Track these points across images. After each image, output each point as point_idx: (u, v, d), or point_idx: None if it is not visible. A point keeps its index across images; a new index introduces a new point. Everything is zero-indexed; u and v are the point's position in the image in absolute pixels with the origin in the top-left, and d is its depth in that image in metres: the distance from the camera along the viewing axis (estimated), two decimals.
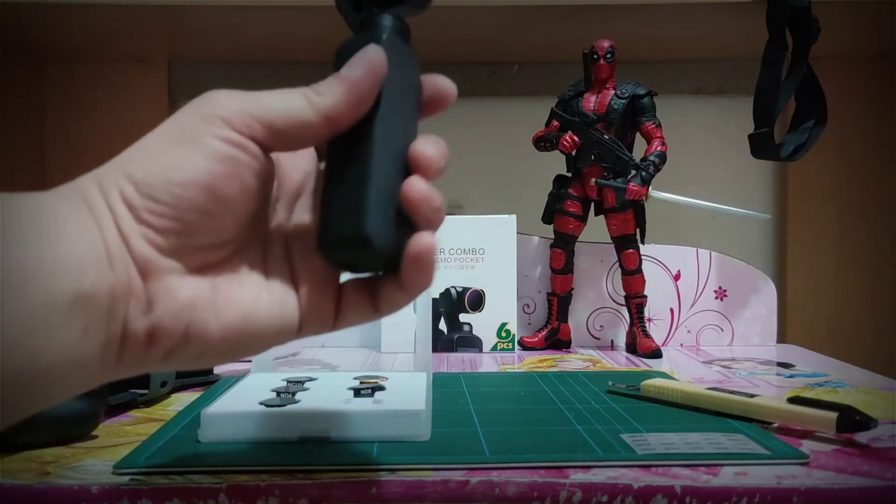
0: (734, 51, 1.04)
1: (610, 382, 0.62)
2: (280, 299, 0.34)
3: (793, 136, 0.83)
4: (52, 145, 1.09)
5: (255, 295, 0.34)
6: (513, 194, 1.09)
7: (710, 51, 1.06)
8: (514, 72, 1.11)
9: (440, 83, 0.38)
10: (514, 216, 0.85)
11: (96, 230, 0.30)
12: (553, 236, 0.86)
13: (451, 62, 1.10)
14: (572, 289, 0.87)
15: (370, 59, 0.34)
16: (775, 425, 0.51)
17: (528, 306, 0.89)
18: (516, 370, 0.73)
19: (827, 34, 0.80)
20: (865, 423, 0.46)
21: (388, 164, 0.34)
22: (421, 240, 0.34)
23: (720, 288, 0.88)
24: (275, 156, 0.35)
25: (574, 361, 0.79)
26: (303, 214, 0.37)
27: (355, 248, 0.33)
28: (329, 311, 0.35)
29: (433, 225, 0.34)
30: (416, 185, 0.34)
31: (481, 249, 0.85)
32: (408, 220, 0.34)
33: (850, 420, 0.46)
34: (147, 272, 0.31)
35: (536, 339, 0.86)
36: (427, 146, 0.35)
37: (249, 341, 0.34)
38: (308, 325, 0.35)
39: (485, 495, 0.41)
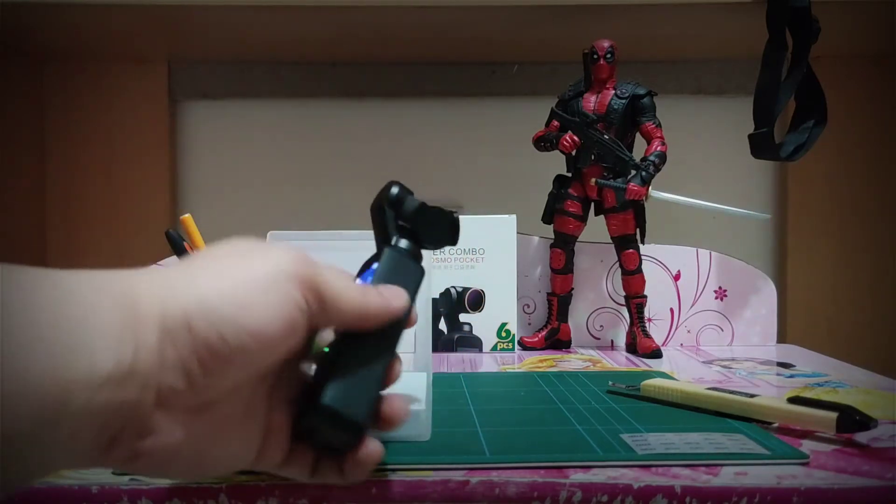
0: (734, 51, 1.04)
1: (610, 382, 0.62)
2: (253, 442, 0.35)
3: (793, 136, 0.83)
4: (52, 145, 1.09)
5: (238, 439, 0.34)
6: (513, 194, 1.09)
7: (710, 51, 1.06)
8: (514, 72, 1.11)
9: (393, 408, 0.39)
10: (514, 216, 0.85)
11: (131, 348, 0.29)
12: (553, 236, 0.86)
13: (451, 62, 1.10)
14: (572, 289, 0.87)
15: (400, 302, 0.38)
16: (775, 425, 0.51)
17: (528, 306, 0.89)
18: (516, 370, 0.73)
19: (827, 34, 0.80)
20: (865, 423, 0.46)
21: (382, 369, 0.38)
22: (371, 444, 0.37)
23: (720, 288, 0.88)
24: None
25: (574, 361, 0.78)
26: (295, 364, 0.38)
27: (346, 430, 0.36)
28: (283, 457, 0.37)
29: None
30: (395, 402, 0.38)
31: (481, 249, 0.85)
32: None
33: (850, 420, 0.46)
34: (164, 402, 0.30)
35: (536, 339, 0.86)
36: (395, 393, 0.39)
37: (217, 471, 0.35)
38: (261, 462, 0.36)
39: (485, 495, 0.41)
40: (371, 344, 0.37)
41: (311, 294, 0.33)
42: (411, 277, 0.40)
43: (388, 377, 0.38)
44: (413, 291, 0.40)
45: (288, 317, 0.32)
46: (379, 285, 0.38)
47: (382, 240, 0.43)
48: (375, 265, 0.41)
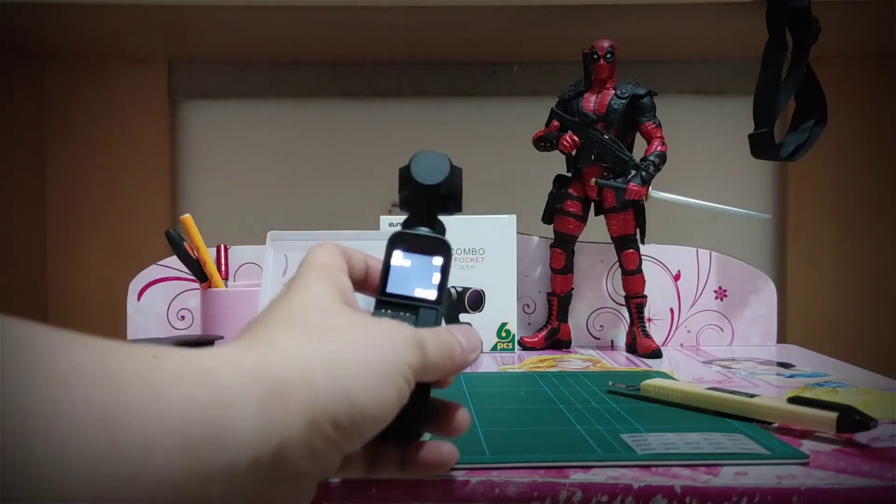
0: (734, 51, 1.04)
1: (610, 382, 0.62)
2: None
3: (793, 136, 0.83)
4: (52, 145, 1.09)
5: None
6: (513, 194, 1.09)
7: (710, 51, 1.06)
8: (514, 72, 1.11)
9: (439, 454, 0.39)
10: (514, 216, 0.85)
11: (276, 444, 0.28)
12: (553, 236, 0.86)
13: (451, 62, 1.10)
14: (572, 289, 0.87)
15: (475, 347, 0.39)
16: (775, 425, 0.51)
17: (528, 306, 0.89)
18: (516, 370, 0.73)
19: (827, 34, 0.80)
20: (865, 423, 0.46)
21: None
22: (450, 453, 0.38)
23: (720, 288, 0.88)
24: None
25: (574, 361, 0.78)
26: None
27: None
28: (361, 461, 0.37)
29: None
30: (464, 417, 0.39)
31: (481, 249, 0.85)
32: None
33: (850, 420, 0.46)
34: (289, 479, 0.30)
35: (536, 339, 0.86)
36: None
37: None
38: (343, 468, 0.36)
39: (485, 495, 0.41)
40: None
41: (422, 370, 0.35)
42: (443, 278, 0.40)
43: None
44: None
45: (398, 401, 0.33)
46: (457, 331, 0.38)
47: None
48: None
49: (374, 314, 0.39)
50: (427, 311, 0.39)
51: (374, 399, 0.32)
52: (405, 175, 0.40)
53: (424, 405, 0.38)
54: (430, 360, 0.35)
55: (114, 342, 0.25)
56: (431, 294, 0.39)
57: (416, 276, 0.39)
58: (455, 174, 0.41)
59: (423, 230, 0.40)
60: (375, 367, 0.32)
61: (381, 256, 0.40)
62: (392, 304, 0.39)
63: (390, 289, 0.39)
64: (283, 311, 0.34)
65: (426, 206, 0.40)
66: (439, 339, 0.36)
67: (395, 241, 0.40)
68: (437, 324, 0.39)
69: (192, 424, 0.25)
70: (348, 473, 0.38)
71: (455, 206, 0.41)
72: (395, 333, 0.34)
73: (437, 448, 0.38)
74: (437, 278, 0.39)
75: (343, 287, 0.37)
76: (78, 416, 0.22)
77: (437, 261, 0.40)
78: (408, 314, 0.39)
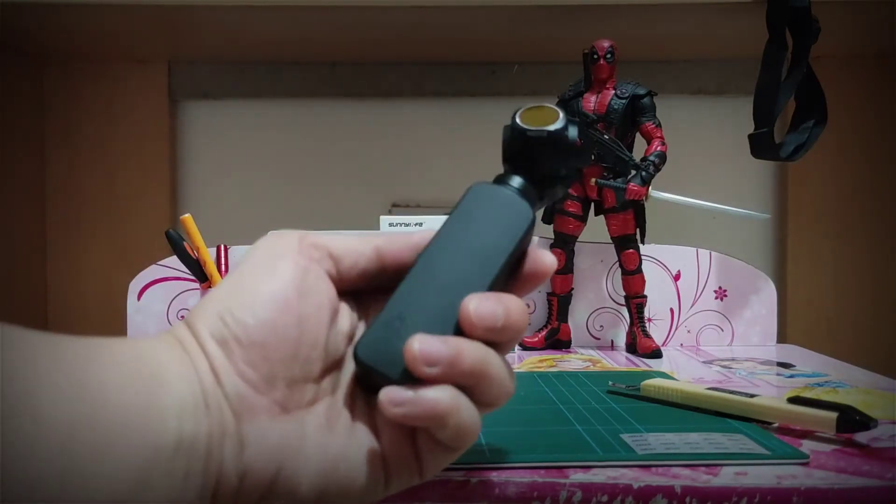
0: (734, 51, 1.04)
1: (610, 382, 0.62)
2: (366, 449, 0.34)
3: (793, 136, 0.83)
4: (52, 145, 1.09)
5: (342, 444, 0.34)
6: None
7: (710, 51, 1.06)
8: (514, 72, 1.11)
9: (540, 261, 0.37)
10: None
11: (194, 373, 0.31)
12: (553, 236, 0.86)
13: (451, 62, 1.10)
14: (572, 289, 0.87)
15: (426, 231, 0.37)
16: (775, 425, 0.51)
17: (528, 306, 0.89)
18: (516, 370, 0.73)
19: (827, 34, 0.80)
20: (865, 423, 0.46)
21: (415, 301, 0.34)
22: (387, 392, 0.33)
23: (720, 288, 0.88)
24: (364, 308, 0.38)
25: (574, 361, 0.78)
26: None
27: (361, 369, 0.34)
28: (412, 460, 0.34)
29: (448, 379, 0.33)
30: (412, 345, 0.33)
31: None
32: None
33: (850, 420, 0.46)
34: (240, 412, 0.31)
35: (536, 339, 0.86)
36: (473, 299, 0.34)
37: (338, 492, 0.33)
38: (395, 478, 0.34)
39: (485, 495, 0.41)
40: (416, 273, 0.35)
41: (308, 247, 0.35)
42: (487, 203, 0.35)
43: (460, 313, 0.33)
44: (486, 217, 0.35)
45: (294, 274, 0.34)
46: None
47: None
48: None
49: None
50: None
51: (248, 290, 0.33)
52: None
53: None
54: (324, 237, 0.36)
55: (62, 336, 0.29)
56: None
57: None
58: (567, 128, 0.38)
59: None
60: (238, 272, 0.34)
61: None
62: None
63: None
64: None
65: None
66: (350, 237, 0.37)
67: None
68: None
69: (132, 371, 0.29)
70: (404, 482, 0.35)
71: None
72: (279, 234, 0.37)
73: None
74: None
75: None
76: (42, 372, 0.26)
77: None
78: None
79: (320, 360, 0.34)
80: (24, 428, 0.24)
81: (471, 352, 0.33)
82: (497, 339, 0.34)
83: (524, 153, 0.36)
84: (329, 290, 0.35)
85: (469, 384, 0.33)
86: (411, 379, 0.32)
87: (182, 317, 0.87)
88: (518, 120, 0.36)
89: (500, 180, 0.37)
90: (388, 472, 0.34)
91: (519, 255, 0.36)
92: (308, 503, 0.33)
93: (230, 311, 0.32)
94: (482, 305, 0.33)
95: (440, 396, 0.32)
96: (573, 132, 0.36)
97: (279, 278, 0.33)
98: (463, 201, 0.36)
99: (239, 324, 0.32)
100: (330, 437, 0.34)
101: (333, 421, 0.34)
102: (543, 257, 0.37)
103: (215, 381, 0.31)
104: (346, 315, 0.37)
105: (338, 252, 0.36)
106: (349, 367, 0.36)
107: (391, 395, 0.32)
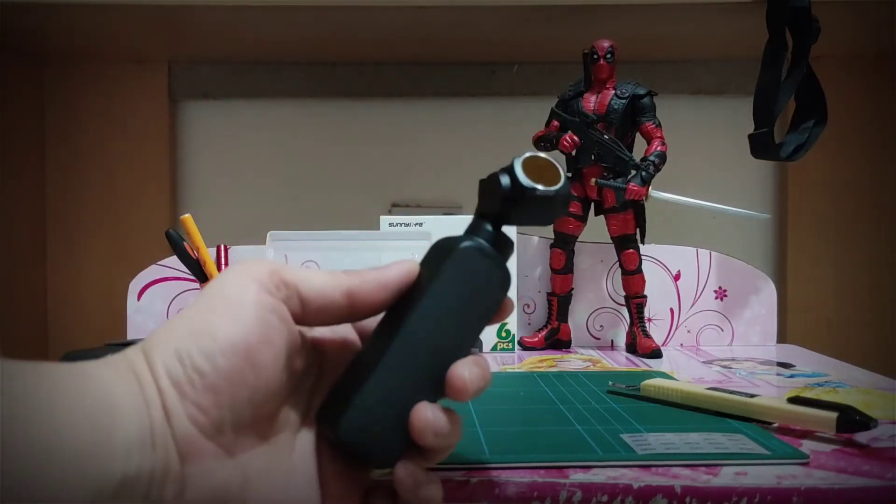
0: (734, 51, 1.04)
1: (610, 382, 0.62)
2: (307, 492, 0.34)
3: (793, 136, 0.83)
4: (52, 145, 1.09)
5: (283, 485, 0.34)
6: None
7: (710, 51, 1.06)
8: (514, 72, 1.11)
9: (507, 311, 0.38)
10: None
11: (145, 409, 0.30)
12: (553, 236, 0.86)
13: (451, 62, 1.10)
14: (572, 289, 0.87)
15: (406, 267, 0.36)
16: (775, 425, 0.51)
17: (528, 306, 0.89)
18: (516, 370, 0.73)
19: (827, 34, 0.80)
20: (865, 423, 0.46)
21: (402, 374, 0.33)
22: (403, 468, 0.34)
23: (720, 288, 0.88)
24: (320, 345, 0.37)
25: (574, 361, 0.78)
26: None
27: (329, 435, 0.33)
28: None
29: (438, 452, 0.34)
30: (421, 412, 0.34)
31: None
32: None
33: (850, 420, 0.46)
34: (185, 454, 0.31)
35: (536, 339, 0.86)
36: (464, 368, 0.34)
37: None
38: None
39: (485, 495, 0.41)
40: (390, 329, 0.34)
41: (274, 286, 0.33)
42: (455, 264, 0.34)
43: (446, 378, 0.34)
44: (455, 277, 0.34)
45: (256, 318, 0.32)
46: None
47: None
48: None
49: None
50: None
51: (201, 333, 0.32)
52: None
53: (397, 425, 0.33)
54: (295, 275, 0.34)
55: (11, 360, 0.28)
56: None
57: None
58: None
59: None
60: (194, 308, 0.33)
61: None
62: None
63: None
64: None
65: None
66: (320, 272, 0.35)
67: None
68: None
69: (81, 406, 0.28)
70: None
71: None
72: (242, 266, 0.34)
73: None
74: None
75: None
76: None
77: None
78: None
79: (271, 404, 0.34)
80: None
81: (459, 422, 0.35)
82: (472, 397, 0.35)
83: (522, 208, 0.34)
84: (290, 335, 0.34)
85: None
86: (394, 461, 0.33)
87: None
88: (522, 175, 0.34)
89: (481, 236, 0.36)
90: None
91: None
92: None
93: (189, 353, 0.31)
94: (466, 370, 0.34)
95: (438, 493, 0.34)
96: (569, 187, 0.36)
97: (241, 324, 0.32)
98: (447, 267, 0.34)
99: (196, 369, 0.31)
100: (271, 480, 0.33)
101: (276, 463, 0.34)
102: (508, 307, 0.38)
103: (165, 420, 0.30)
104: (302, 354, 0.36)
105: (307, 294, 0.34)
106: (294, 408, 0.35)
107: (415, 478, 0.34)
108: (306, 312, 0.34)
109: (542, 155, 0.35)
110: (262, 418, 0.33)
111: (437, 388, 0.34)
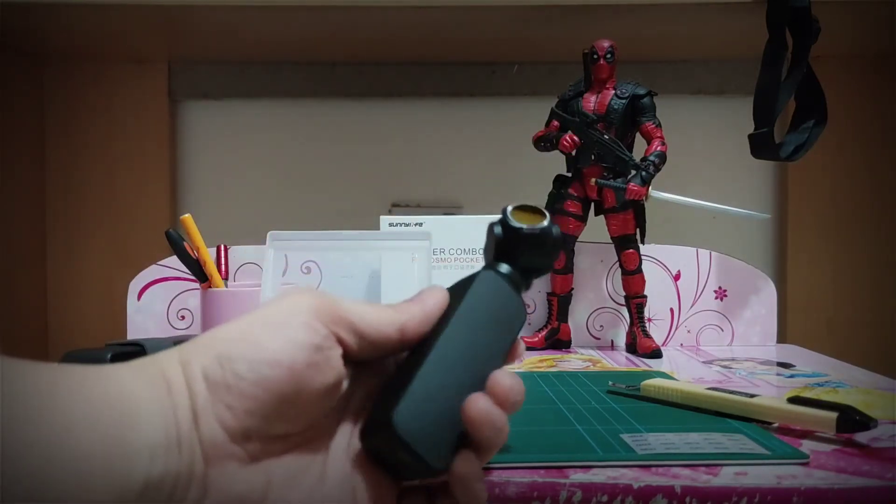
0: (734, 51, 1.04)
1: (610, 382, 0.62)
2: (337, 502, 0.34)
3: (793, 136, 0.83)
4: (52, 145, 1.09)
5: (311, 494, 0.33)
6: (513, 194, 1.09)
7: (710, 51, 1.06)
8: (515, 72, 1.11)
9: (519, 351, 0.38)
10: None
11: (171, 412, 0.30)
12: None
13: (451, 62, 1.10)
14: (572, 289, 0.87)
15: (441, 296, 0.37)
16: (775, 425, 0.51)
17: (528, 306, 0.89)
18: (516, 370, 0.73)
19: (827, 34, 0.80)
20: (865, 423, 0.46)
21: (447, 374, 0.35)
22: (465, 462, 0.34)
23: (720, 288, 0.88)
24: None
25: (574, 361, 0.78)
26: None
27: (382, 433, 0.33)
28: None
29: (493, 447, 0.34)
30: (477, 403, 0.34)
31: (481, 249, 0.84)
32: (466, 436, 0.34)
33: (850, 420, 0.46)
34: (210, 457, 0.30)
35: (536, 339, 0.86)
36: (505, 377, 0.35)
37: None
38: None
39: None
40: (428, 346, 0.35)
41: (329, 318, 0.33)
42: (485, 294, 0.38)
43: (488, 385, 0.35)
44: (487, 311, 0.37)
45: (307, 342, 0.32)
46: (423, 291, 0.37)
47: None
48: None
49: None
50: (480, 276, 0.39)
51: (249, 343, 0.31)
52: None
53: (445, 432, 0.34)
54: (346, 306, 0.33)
55: (31, 362, 0.28)
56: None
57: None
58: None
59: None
60: (250, 322, 0.32)
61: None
62: None
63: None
64: None
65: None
66: (370, 305, 0.35)
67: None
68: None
69: (101, 413, 0.28)
70: None
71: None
72: (297, 292, 0.34)
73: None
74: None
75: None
76: (13, 419, 0.25)
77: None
78: None
79: (305, 422, 0.33)
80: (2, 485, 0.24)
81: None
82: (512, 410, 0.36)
83: (517, 249, 0.39)
84: (339, 370, 0.34)
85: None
86: (446, 463, 0.34)
87: (183, 317, 0.87)
88: (511, 218, 0.39)
89: (501, 272, 0.39)
90: None
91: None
92: None
93: (230, 357, 0.31)
94: (508, 378, 0.35)
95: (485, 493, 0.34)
96: (557, 229, 0.40)
97: (291, 342, 0.32)
98: (473, 287, 0.38)
99: (235, 373, 0.30)
100: (298, 487, 0.33)
101: (305, 470, 0.33)
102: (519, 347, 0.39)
103: (193, 422, 0.30)
104: (344, 380, 0.35)
105: (363, 330, 0.34)
106: (329, 416, 0.35)
107: (475, 471, 0.33)
108: (360, 348, 0.34)
109: (531, 205, 0.40)
110: (294, 431, 0.33)
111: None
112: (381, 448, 0.34)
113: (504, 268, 0.39)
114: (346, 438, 0.35)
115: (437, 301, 0.37)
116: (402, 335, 0.35)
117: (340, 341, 0.33)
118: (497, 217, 0.40)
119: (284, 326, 0.32)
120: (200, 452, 0.30)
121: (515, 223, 0.39)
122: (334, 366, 0.33)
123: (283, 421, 0.32)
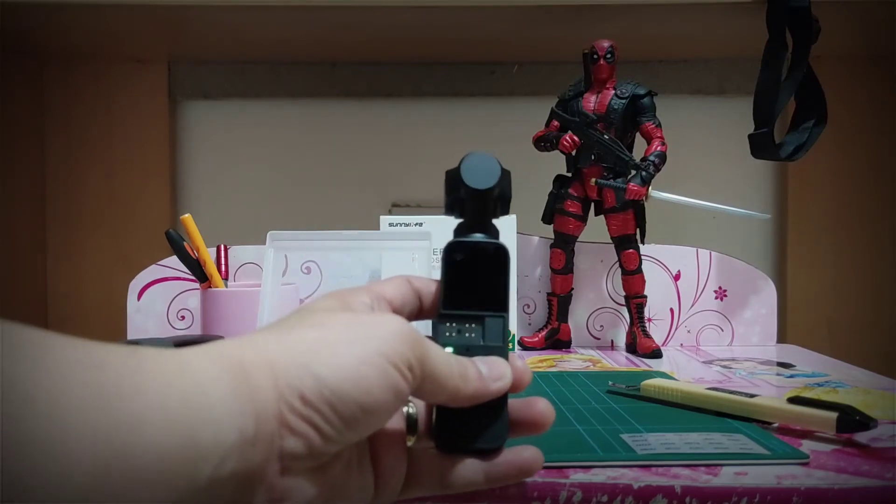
0: (734, 51, 1.04)
1: (610, 382, 0.62)
2: (368, 480, 0.36)
3: (793, 136, 0.83)
4: (52, 145, 1.09)
5: (357, 486, 0.35)
6: (513, 194, 1.09)
7: (710, 51, 1.06)
8: (515, 72, 1.11)
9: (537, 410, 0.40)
10: (514, 216, 0.85)
11: (252, 416, 0.29)
12: (553, 236, 0.86)
13: (451, 62, 1.10)
14: (572, 289, 0.87)
15: (504, 385, 0.37)
16: (775, 425, 0.51)
17: (528, 306, 0.89)
18: None
19: (827, 34, 0.80)
20: (865, 423, 0.46)
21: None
22: (533, 456, 0.38)
23: (720, 288, 0.88)
24: None
25: (574, 361, 0.78)
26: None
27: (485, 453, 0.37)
28: (399, 482, 0.37)
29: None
30: (540, 405, 0.39)
31: None
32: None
33: (850, 420, 0.46)
34: (288, 468, 0.31)
35: (536, 339, 0.86)
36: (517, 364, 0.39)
37: None
38: (380, 495, 0.36)
39: (485, 495, 0.41)
40: None
41: (417, 369, 0.34)
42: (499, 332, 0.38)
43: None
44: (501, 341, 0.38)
45: (396, 391, 0.32)
46: (480, 360, 0.37)
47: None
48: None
49: (434, 333, 0.38)
50: (493, 321, 0.38)
51: (347, 377, 0.31)
52: (454, 179, 0.38)
53: (499, 416, 0.37)
54: (432, 364, 0.34)
55: (98, 342, 0.27)
56: (495, 302, 0.38)
57: (477, 286, 0.38)
58: (506, 177, 0.40)
59: (479, 236, 0.39)
60: (348, 348, 0.32)
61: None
62: (455, 318, 0.38)
63: (451, 303, 0.38)
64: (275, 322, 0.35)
65: (480, 211, 0.39)
66: (452, 357, 0.36)
67: (452, 252, 0.38)
68: (505, 333, 0.38)
69: (174, 405, 0.26)
70: (424, 490, 0.37)
71: (504, 210, 0.40)
72: (388, 323, 0.34)
73: (518, 453, 0.38)
74: (499, 285, 0.38)
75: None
76: (73, 399, 0.23)
77: (498, 266, 0.38)
78: (473, 325, 0.38)
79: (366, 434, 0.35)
80: (52, 468, 0.22)
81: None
82: None
83: (467, 202, 0.39)
84: (402, 404, 0.35)
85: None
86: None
87: (182, 317, 0.87)
88: (461, 171, 0.38)
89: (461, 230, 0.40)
90: (376, 492, 0.36)
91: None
92: None
93: (328, 385, 0.31)
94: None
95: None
96: (506, 182, 0.40)
97: (384, 393, 0.32)
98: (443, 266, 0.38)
99: (323, 398, 0.31)
100: (346, 484, 0.34)
101: (351, 468, 0.35)
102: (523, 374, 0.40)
103: (279, 431, 0.30)
104: None
105: (428, 388, 0.35)
106: None
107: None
108: (415, 393, 0.35)
109: (484, 153, 0.39)
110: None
111: None
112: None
113: (463, 227, 0.39)
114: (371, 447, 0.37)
115: (498, 389, 0.37)
116: (455, 398, 0.36)
117: (413, 388, 0.34)
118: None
119: (379, 366, 0.32)
120: (278, 461, 0.30)
121: (463, 177, 0.38)
122: (404, 402, 0.34)
123: (355, 433, 0.33)
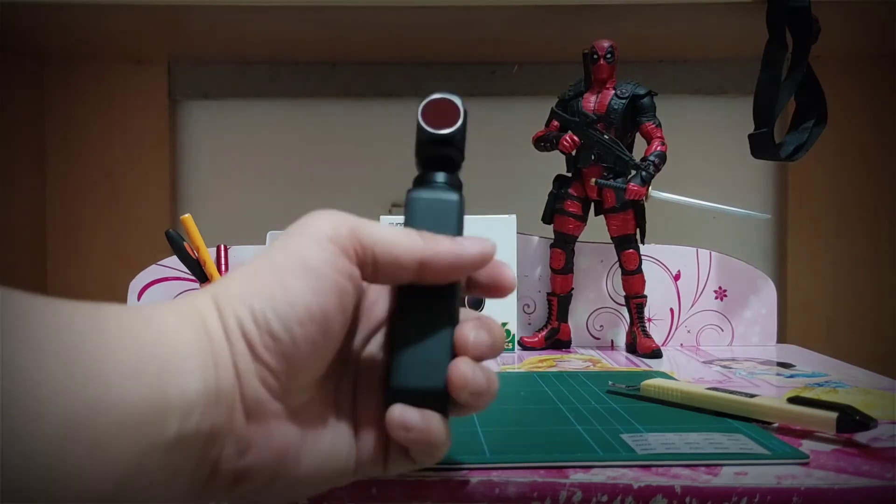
0: (734, 51, 1.04)
1: (610, 382, 0.62)
2: (347, 446, 0.35)
3: (793, 136, 0.83)
4: (52, 145, 1.09)
5: (330, 441, 0.34)
6: (513, 194, 1.09)
7: (710, 51, 1.06)
8: (515, 72, 1.11)
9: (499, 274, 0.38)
10: (514, 216, 0.85)
11: (213, 366, 0.29)
12: (553, 236, 0.86)
13: (451, 62, 1.10)
14: (572, 289, 0.87)
15: (483, 248, 0.36)
16: (775, 425, 0.51)
17: (528, 306, 0.89)
18: (516, 370, 0.73)
19: (827, 34, 0.80)
20: (865, 423, 0.46)
21: (452, 328, 0.36)
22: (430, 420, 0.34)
23: (720, 288, 0.88)
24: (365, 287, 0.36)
25: (574, 361, 0.79)
26: (376, 349, 0.37)
27: (430, 400, 0.34)
28: (381, 452, 0.35)
29: (473, 408, 0.35)
30: (459, 368, 0.34)
31: None
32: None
33: (850, 420, 0.46)
34: (252, 415, 0.30)
35: (536, 339, 0.86)
36: (470, 332, 0.36)
37: (317, 485, 0.34)
38: (361, 472, 0.35)
39: (485, 495, 0.41)
40: (432, 305, 0.35)
41: (353, 249, 0.32)
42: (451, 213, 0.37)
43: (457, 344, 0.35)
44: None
45: (330, 287, 0.31)
46: (461, 237, 0.36)
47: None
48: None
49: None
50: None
51: (282, 300, 0.30)
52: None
53: (439, 344, 0.35)
54: (368, 231, 0.33)
55: (66, 301, 0.27)
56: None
57: (438, 224, 0.37)
58: (465, 121, 0.41)
59: (440, 176, 0.41)
60: (284, 263, 0.31)
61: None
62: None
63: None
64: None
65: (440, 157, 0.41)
66: (399, 227, 0.35)
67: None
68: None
69: (139, 359, 0.27)
70: (368, 471, 0.36)
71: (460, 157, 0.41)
72: (320, 220, 0.33)
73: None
74: (455, 218, 0.38)
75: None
76: (43, 356, 0.24)
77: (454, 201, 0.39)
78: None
79: (329, 365, 0.34)
80: (24, 426, 0.23)
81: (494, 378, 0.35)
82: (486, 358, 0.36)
83: (428, 149, 0.41)
84: (358, 299, 0.34)
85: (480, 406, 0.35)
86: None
87: None
88: (420, 118, 0.40)
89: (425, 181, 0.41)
90: (358, 466, 0.35)
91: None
92: (291, 496, 0.33)
93: (265, 315, 0.30)
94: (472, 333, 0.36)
95: (440, 428, 0.34)
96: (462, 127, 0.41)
97: (320, 293, 0.31)
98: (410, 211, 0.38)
99: (271, 334, 0.30)
100: (320, 436, 0.34)
101: (324, 419, 0.34)
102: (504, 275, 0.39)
103: (236, 381, 0.30)
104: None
105: (382, 259, 0.33)
106: (338, 354, 0.35)
107: (405, 420, 0.33)
108: (376, 275, 0.34)
109: (446, 96, 0.41)
110: (321, 378, 0.33)
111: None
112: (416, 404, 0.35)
113: (436, 175, 0.40)
114: (355, 371, 0.36)
115: (479, 252, 0.35)
116: (420, 272, 0.34)
117: (361, 271, 0.33)
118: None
119: (311, 271, 0.31)
120: (242, 411, 0.30)
121: (425, 127, 0.40)
122: (355, 299, 0.33)
123: (317, 370, 0.32)
